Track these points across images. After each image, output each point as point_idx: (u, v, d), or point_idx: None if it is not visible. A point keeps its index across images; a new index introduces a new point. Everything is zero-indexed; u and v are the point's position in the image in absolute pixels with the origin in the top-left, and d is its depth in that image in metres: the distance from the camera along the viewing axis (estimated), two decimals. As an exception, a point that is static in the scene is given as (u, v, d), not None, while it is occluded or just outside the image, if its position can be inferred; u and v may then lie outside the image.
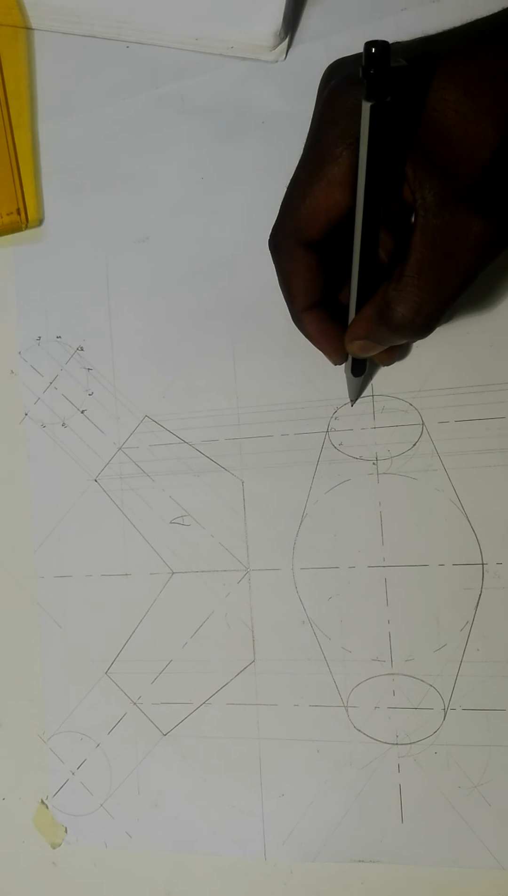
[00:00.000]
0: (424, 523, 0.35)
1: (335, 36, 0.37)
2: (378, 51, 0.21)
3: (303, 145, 0.29)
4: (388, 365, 0.36)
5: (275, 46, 0.37)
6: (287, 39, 0.37)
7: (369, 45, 0.22)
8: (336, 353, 0.34)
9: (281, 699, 0.37)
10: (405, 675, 0.35)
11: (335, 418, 0.37)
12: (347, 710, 0.36)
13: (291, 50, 0.38)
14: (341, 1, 0.37)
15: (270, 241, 0.32)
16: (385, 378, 0.36)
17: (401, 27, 0.36)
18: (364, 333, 0.31)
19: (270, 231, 0.31)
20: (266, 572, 0.37)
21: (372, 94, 0.23)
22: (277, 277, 0.32)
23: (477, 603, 0.35)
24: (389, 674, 0.36)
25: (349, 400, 0.37)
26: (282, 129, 0.38)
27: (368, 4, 0.36)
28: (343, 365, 0.35)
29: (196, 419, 0.39)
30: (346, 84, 0.28)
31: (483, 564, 0.35)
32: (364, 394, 0.36)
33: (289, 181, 0.31)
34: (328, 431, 0.37)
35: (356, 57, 0.30)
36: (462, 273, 0.28)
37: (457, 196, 0.27)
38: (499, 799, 0.34)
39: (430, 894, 0.35)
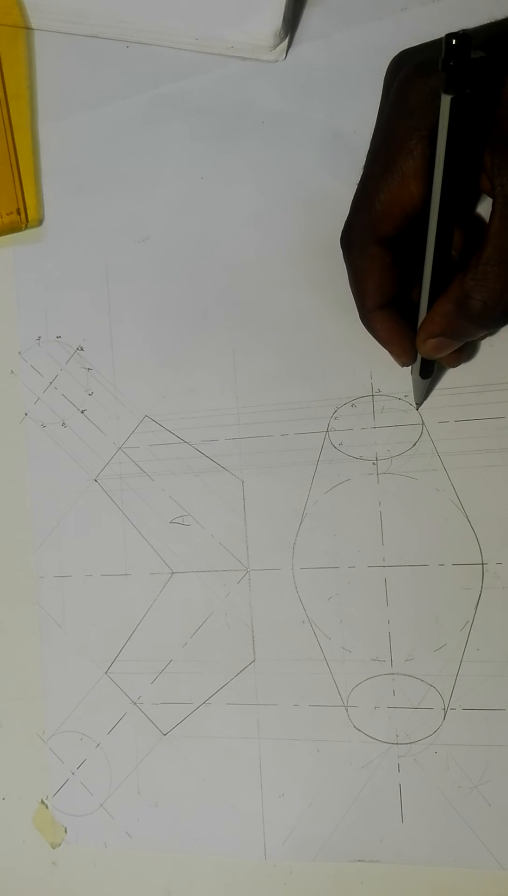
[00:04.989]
0: (424, 523, 0.35)
1: (335, 36, 0.37)
2: (459, 42, 0.21)
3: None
4: (455, 366, 0.34)
5: (275, 46, 0.37)
6: (287, 39, 0.37)
7: (449, 36, 0.21)
8: (406, 354, 0.33)
9: (281, 699, 0.37)
10: (405, 675, 0.35)
11: (335, 418, 0.37)
12: (347, 710, 0.36)
13: (291, 50, 0.38)
14: (341, 1, 0.37)
15: (342, 239, 0.31)
16: (385, 378, 0.36)
17: (401, 27, 0.36)
18: (440, 330, 0.30)
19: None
20: (266, 572, 0.37)
21: (452, 86, 0.22)
22: (348, 276, 0.32)
23: (477, 603, 0.35)
24: (389, 674, 0.36)
25: (351, 400, 0.36)
26: (282, 128, 0.38)
27: (368, 4, 0.36)
28: (410, 367, 0.34)
29: (196, 419, 0.39)
30: (417, 74, 0.28)
31: (483, 564, 0.35)
32: (364, 393, 0.36)
33: (360, 178, 0.30)
34: (327, 431, 0.37)
35: (425, 46, 0.29)
36: None
37: None
38: (499, 799, 0.34)
39: (430, 894, 0.35)
